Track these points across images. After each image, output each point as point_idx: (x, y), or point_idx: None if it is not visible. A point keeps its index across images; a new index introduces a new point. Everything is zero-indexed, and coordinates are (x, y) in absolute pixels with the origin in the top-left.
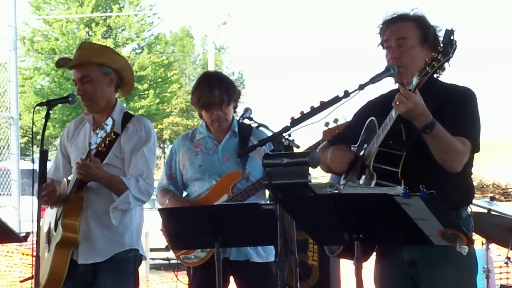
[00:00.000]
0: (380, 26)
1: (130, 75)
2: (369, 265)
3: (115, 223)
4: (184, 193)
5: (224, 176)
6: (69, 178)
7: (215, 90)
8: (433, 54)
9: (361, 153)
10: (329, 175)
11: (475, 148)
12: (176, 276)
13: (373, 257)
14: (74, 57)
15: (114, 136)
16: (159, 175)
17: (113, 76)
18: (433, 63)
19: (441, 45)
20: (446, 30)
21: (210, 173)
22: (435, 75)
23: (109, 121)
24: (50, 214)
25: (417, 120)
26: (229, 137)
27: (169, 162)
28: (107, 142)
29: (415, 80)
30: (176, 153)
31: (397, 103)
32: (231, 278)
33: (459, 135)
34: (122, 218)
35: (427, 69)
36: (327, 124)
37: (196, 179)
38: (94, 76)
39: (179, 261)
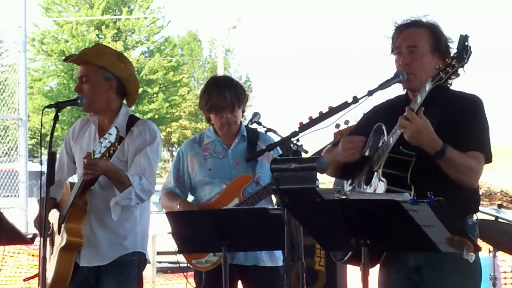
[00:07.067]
0: (393, 30)
1: (133, 86)
2: (376, 271)
3: (114, 218)
4: (191, 197)
5: (235, 179)
6: (71, 180)
7: (225, 93)
8: (446, 59)
9: (369, 157)
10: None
11: (488, 159)
12: (186, 278)
13: None
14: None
15: (118, 146)
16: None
17: (113, 83)
18: (447, 69)
19: (453, 52)
20: (461, 35)
21: (220, 177)
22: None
23: (113, 131)
24: (53, 216)
25: (425, 147)
26: (238, 141)
27: (176, 165)
28: (111, 152)
29: (428, 86)
30: (184, 156)
31: (401, 129)
32: (236, 283)
33: (472, 149)
34: (125, 221)
35: (441, 75)
36: (338, 126)
37: (206, 183)
38: (93, 78)
39: (190, 266)
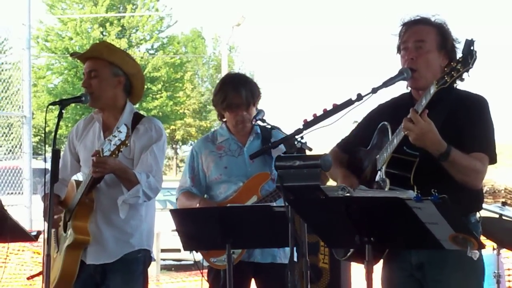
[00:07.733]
0: (400, 27)
1: (140, 84)
2: (380, 268)
3: (122, 217)
4: (205, 196)
5: (252, 177)
6: (75, 178)
7: (241, 90)
8: (452, 63)
9: (373, 157)
10: None
11: (492, 160)
12: (202, 274)
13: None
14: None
15: (128, 145)
16: (171, 176)
17: (122, 79)
18: (452, 72)
19: (459, 55)
20: (466, 40)
21: (236, 175)
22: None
23: (123, 128)
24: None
25: (430, 149)
26: (253, 139)
27: (191, 164)
28: (121, 150)
29: (432, 89)
30: (198, 155)
31: (406, 132)
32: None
33: (476, 150)
34: (131, 219)
35: (446, 78)
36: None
37: (222, 181)
38: (102, 73)
39: (209, 264)
